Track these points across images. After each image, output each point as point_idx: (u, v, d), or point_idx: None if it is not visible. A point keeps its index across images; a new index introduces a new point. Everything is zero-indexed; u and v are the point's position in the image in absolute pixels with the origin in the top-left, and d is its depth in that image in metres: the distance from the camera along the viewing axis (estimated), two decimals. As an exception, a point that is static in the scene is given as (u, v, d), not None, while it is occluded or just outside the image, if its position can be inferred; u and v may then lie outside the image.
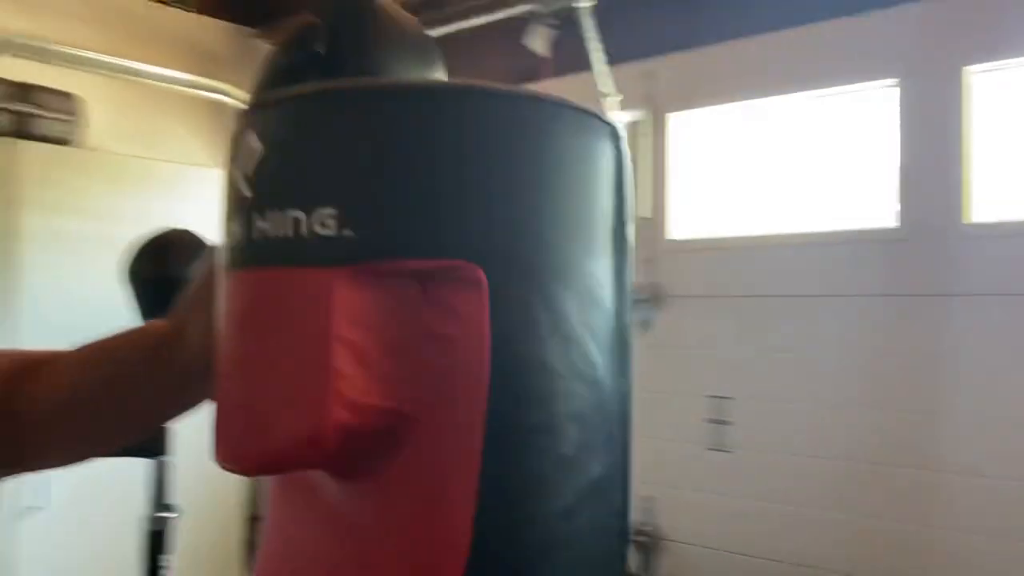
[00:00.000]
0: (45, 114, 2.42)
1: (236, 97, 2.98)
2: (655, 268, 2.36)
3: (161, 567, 1.87)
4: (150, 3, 2.89)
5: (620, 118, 2.24)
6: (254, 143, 0.74)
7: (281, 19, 3.25)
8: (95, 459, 0.97)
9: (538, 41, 2.37)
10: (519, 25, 2.43)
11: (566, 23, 2.18)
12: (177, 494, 1.91)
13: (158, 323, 0.92)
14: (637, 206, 2.18)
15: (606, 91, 2.08)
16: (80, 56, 2.45)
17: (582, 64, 2.16)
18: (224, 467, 0.76)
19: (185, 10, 3.02)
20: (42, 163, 2.31)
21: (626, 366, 0.80)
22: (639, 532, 2.30)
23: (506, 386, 0.69)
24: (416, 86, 0.74)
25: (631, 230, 0.82)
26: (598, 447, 0.75)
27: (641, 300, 2.31)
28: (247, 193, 0.74)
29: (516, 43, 2.48)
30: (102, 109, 2.67)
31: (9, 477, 0.96)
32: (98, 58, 2.55)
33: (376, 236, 0.69)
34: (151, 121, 2.93)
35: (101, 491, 2.28)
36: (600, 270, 0.77)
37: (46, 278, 2.25)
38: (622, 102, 2.22)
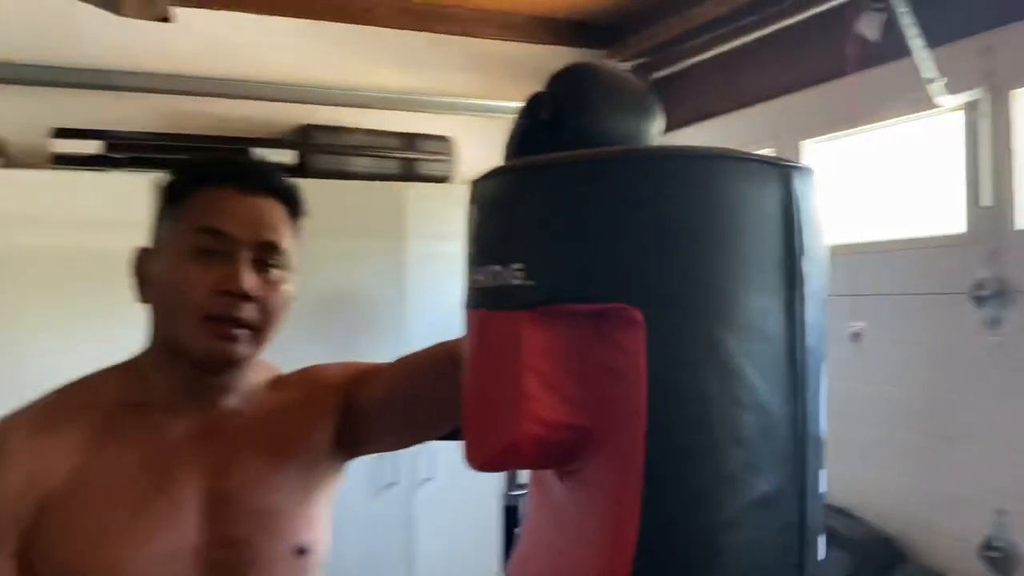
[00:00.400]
0: (426, 157, 2.93)
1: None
2: (1001, 261, 2.10)
3: (513, 536, 2.20)
4: (503, 42, 3.28)
5: (947, 102, 2.04)
6: (475, 210, 0.93)
7: (625, 39, 3.48)
8: (425, 441, 1.24)
9: (870, 27, 2.25)
10: (833, 17, 2.33)
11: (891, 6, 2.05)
12: (525, 475, 2.22)
13: (461, 336, 1.17)
14: (979, 193, 2.00)
15: (928, 75, 1.92)
16: (451, 103, 2.92)
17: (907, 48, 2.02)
18: (466, 464, 0.97)
19: (536, 43, 3.37)
20: (424, 199, 2.81)
21: (801, 391, 0.84)
22: (991, 547, 2.09)
23: (665, 411, 0.80)
24: (584, 158, 0.87)
25: (809, 262, 0.85)
26: (765, 466, 0.81)
27: (986, 296, 2.08)
28: (471, 250, 0.94)
29: (833, 35, 2.39)
30: (471, 145, 3.14)
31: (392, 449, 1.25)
32: (466, 102, 3.00)
33: (554, 285, 0.84)
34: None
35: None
36: (765, 305, 0.82)
37: (428, 292, 2.74)
38: (953, 83, 2.03)
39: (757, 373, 0.81)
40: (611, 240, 0.82)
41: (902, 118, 2.37)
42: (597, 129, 1.01)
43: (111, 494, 0.96)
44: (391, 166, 2.87)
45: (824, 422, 0.88)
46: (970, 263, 2.17)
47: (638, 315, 0.80)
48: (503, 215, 0.89)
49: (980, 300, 2.14)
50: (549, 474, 0.98)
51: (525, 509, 1.10)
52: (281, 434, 1.10)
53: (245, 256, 1.02)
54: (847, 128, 2.56)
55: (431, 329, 2.80)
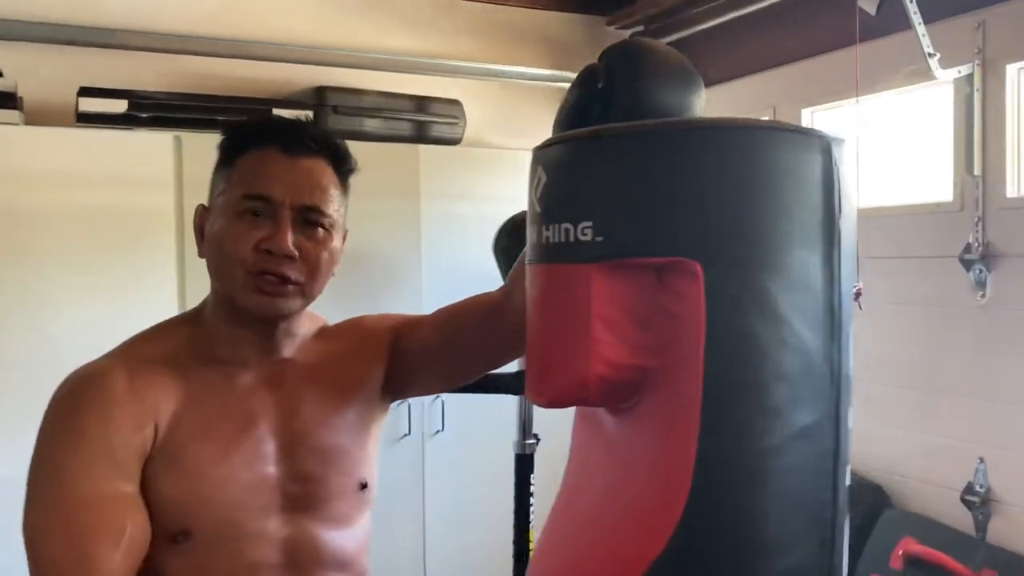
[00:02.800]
0: (437, 120, 2.99)
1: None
2: (987, 228, 2.24)
3: (529, 483, 2.32)
4: (510, 8, 3.33)
5: (942, 75, 2.15)
6: (541, 173, 1.03)
7: (627, 6, 3.54)
8: (460, 384, 1.34)
9: (868, 1, 2.35)
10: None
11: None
12: (538, 425, 2.34)
13: (494, 292, 1.27)
14: (972, 164, 2.12)
15: (927, 49, 2.02)
16: (460, 67, 2.98)
17: (907, 22, 2.11)
18: (529, 400, 1.08)
19: (540, 8, 3.42)
20: (436, 161, 2.89)
21: (837, 335, 0.95)
22: (972, 492, 2.25)
23: (720, 352, 0.90)
24: (647, 128, 0.96)
25: (845, 221, 0.96)
26: (805, 401, 0.92)
27: (973, 260, 2.21)
28: (538, 209, 1.03)
29: (832, 7, 2.48)
30: (478, 108, 3.21)
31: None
32: (474, 66, 3.06)
33: (621, 241, 0.94)
34: (516, 114, 3.42)
35: (483, 421, 2.85)
36: (808, 259, 0.93)
37: (440, 252, 2.82)
38: (948, 58, 2.13)
39: (800, 318, 0.92)
40: (674, 202, 0.92)
41: (898, 89, 2.47)
42: (649, 101, 1.09)
43: (201, 435, 1.04)
44: (403, 128, 2.94)
45: (852, 363, 0.99)
46: (960, 228, 2.30)
47: (697, 268, 0.91)
48: (573, 178, 0.98)
49: (968, 264, 2.27)
50: (601, 411, 1.09)
51: (573, 446, 1.21)
52: (338, 380, 1.19)
53: (289, 216, 1.07)
54: (844, 98, 2.66)
55: (445, 286, 2.90)
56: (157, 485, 1.01)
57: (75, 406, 1.01)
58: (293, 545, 1.06)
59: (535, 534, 2.34)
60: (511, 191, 2.88)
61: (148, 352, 1.10)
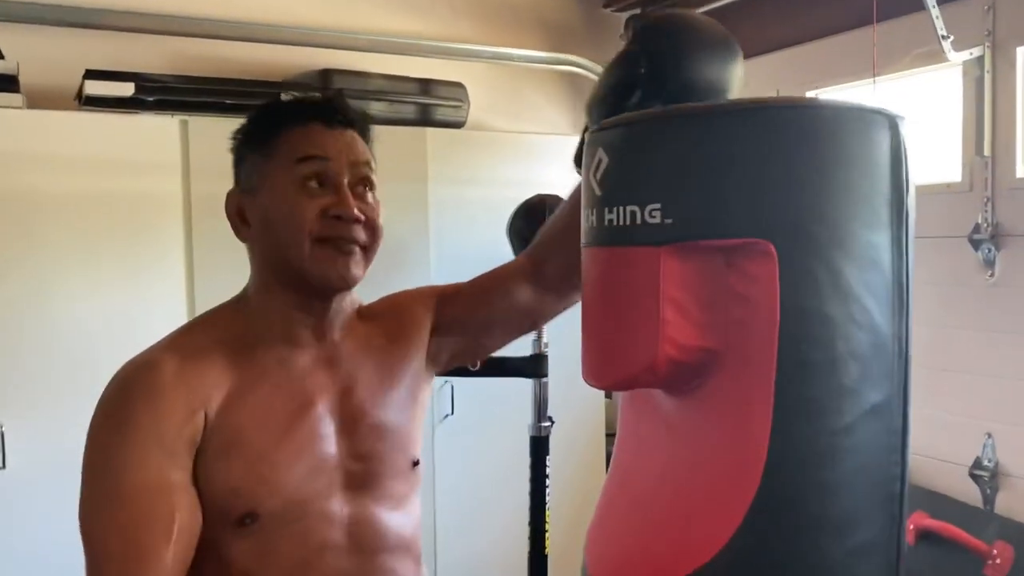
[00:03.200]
0: (441, 103, 2.97)
1: (588, 68, 3.32)
2: (996, 208, 2.26)
3: (545, 465, 2.33)
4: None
5: (953, 58, 2.16)
6: (601, 156, 1.02)
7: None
8: (498, 350, 1.35)
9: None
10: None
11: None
12: (553, 409, 2.35)
13: (519, 258, 1.29)
14: (982, 145, 2.14)
15: (940, 31, 2.03)
16: (465, 50, 2.96)
17: (917, 4, 2.12)
18: (588, 383, 1.07)
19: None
20: (441, 144, 2.86)
21: (905, 314, 0.96)
22: (980, 467, 2.29)
23: (794, 332, 0.91)
24: (715, 108, 0.96)
25: (911, 200, 0.96)
26: (876, 379, 0.93)
27: (982, 240, 2.24)
28: (598, 192, 1.03)
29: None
30: (480, 91, 3.18)
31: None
32: (475, 49, 3.04)
33: (690, 222, 0.93)
34: (518, 97, 3.40)
35: (492, 405, 2.85)
36: (878, 238, 0.93)
37: (447, 234, 2.81)
38: (959, 40, 2.15)
39: (871, 298, 0.92)
40: (744, 183, 0.91)
41: (907, 72, 2.49)
42: (697, 77, 1.08)
43: (260, 418, 1.04)
44: (408, 111, 2.91)
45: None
46: (969, 209, 2.32)
47: (771, 248, 0.90)
48: (639, 160, 0.97)
49: (977, 243, 2.30)
50: (658, 393, 1.09)
51: (623, 428, 1.21)
52: (386, 358, 1.19)
53: (345, 181, 1.09)
54: (850, 80, 2.67)
55: (453, 269, 2.88)
56: (217, 470, 1.00)
57: (125, 397, 1.01)
58: (356, 526, 1.06)
59: (551, 516, 2.35)
60: (518, 174, 2.87)
61: (197, 340, 1.09)
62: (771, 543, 0.91)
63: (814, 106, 0.93)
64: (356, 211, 1.07)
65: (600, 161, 1.02)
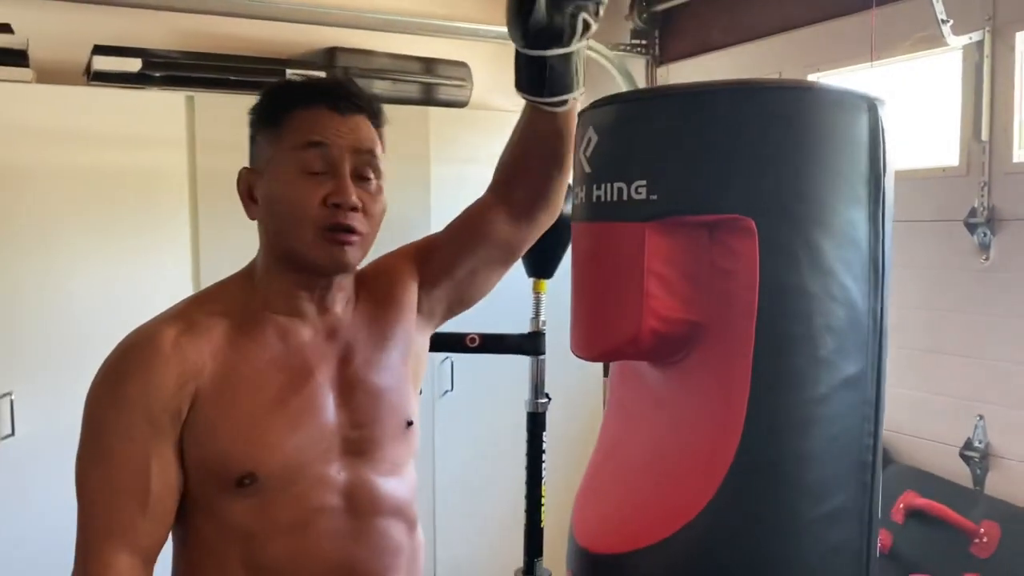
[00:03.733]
0: (445, 82, 2.99)
1: (591, 48, 3.33)
2: (992, 192, 2.28)
3: (541, 440, 2.37)
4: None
5: (956, 42, 2.17)
6: (591, 135, 1.05)
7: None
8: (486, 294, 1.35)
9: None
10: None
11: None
12: (550, 387, 2.39)
13: (484, 196, 1.27)
14: (979, 129, 2.15)
15: (939, 15, 2.04)
16: (465, 28, 2.97)
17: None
18: (576, 354, 1.11)
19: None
20: (444, 124, 2.88)
21: (880, 290, 0.99)
22: (971, 448, 2.32)
23: (772, 306, 0.94)
24: (702, 88, 0.99)
25: (888, 180, 1.00)
26: (851, 351, 0.97)
27: (977, 224, 2.26)
28: (587, 169, 1.06)
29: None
30: (484, 71, 3.20)
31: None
32: (479, 28, 3.05)
33: (675, 199, 0.97)
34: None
35: (491, 381, 2.89)
36: (855, 215, 0.96)
37: (449, 213, 2.84)
38: (958, 25, 2.15)
39: (848, 274, 0.96)
40: (728, 161, 0.95)
41: (906, 56, 2.50)
42: None
43: (256, 387, 1.08)
44: (411, 90, 2.93)
45: (889, 317, 1.04)
46: (966, 193, 2.34)
47: (751, 224, 0.94)
48: (627, 138, 1.01)
49: (973, 227, 2.32)
50: (645, 367, 1.13)
51: (611, 403, 1.25)
52: (378, 323, 1.22)
53: (347, 170, 1.11)
54: (850, 64, 2.68)
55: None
56: (208, 435, 1.04)
57: (121, 368, 1.06)
58: (353, 491, 1.09)
59: (547, 489, 2.40)
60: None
61: (201, 311, 1.12)
62: (748, 506, 0.95)
63: (795, 87, 0.96)
64: (355, 199, 1.09)
65: (590, 140, 1.06)
